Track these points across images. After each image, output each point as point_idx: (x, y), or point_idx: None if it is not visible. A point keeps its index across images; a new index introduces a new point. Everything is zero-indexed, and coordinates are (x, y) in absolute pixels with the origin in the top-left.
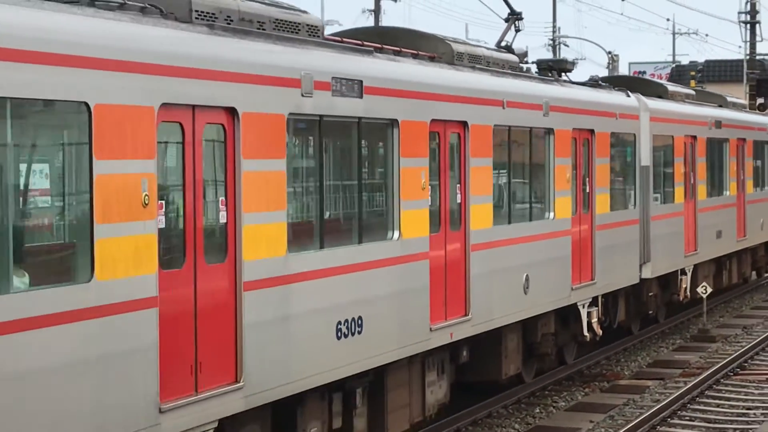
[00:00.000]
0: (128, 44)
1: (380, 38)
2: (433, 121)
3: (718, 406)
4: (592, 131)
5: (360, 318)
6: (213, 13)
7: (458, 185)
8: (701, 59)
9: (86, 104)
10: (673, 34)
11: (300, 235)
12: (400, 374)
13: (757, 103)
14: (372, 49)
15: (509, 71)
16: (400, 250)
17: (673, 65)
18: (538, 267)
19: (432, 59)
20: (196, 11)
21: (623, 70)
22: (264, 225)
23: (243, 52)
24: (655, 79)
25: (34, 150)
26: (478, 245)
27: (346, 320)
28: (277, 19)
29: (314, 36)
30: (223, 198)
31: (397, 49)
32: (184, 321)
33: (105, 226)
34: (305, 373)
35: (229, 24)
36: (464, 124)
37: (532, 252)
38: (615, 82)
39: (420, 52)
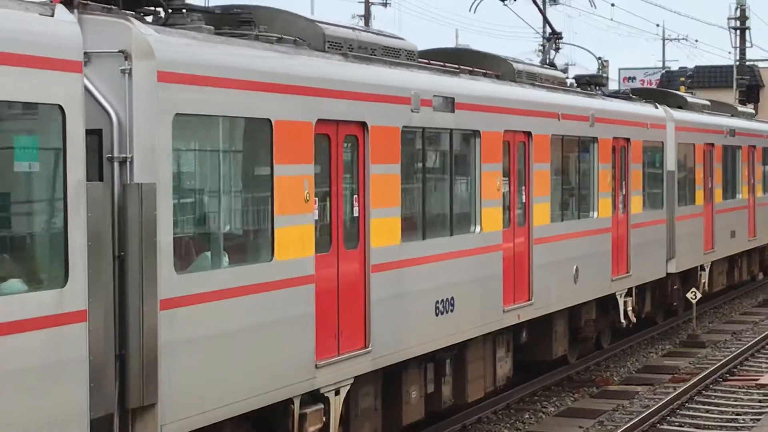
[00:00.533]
0: (295, 71)
1: (449, 58)
2: (505, 131)
3: (707, 411)
4: (628, 140)
5: (452, 298)
6: (340, 43)
7: (524, 187)
8: (691, 65)
9: (269, 120)
10: (663, 39)
11: (408, 228)
12: (478, 349)
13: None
14: (458, 70)
15: (560, 87)
16: (481, 241)
17: (663, 71)
18: (585, 260)
19: (498, 77)
20: (329, 41)
21: (613, 75)
22: (385, 219)
23: (369, 75)
24: (676, 92)
25: (236, 157)
26: (539, 239)
27: (442, 300)
28: (384, 46)
29: (411, 59)
30: (356, 196)
31: (471, 69)
32: (331, 295)
33: (281, 217)
34: (411, 343)
35: (350, 51)
36: (528, 134)
37: (581, 246)
38: (641, 93)
39: (487, 71)
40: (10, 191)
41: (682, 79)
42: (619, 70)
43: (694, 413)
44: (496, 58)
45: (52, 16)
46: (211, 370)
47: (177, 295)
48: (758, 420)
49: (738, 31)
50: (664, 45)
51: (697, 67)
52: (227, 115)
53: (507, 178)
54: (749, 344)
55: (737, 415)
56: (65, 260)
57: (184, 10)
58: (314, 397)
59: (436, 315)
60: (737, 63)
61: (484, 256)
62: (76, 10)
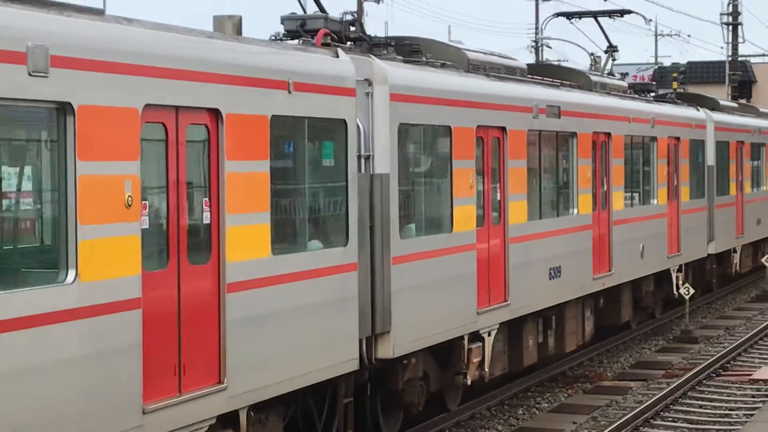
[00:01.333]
0: (465, 89)
1: (537, 71)
2: (594, 132)
3: (700, 407)
4: (678, 138)
5: (560, 267)
6: (478, 65)
7: (605, 178)
8: (683, 61)
9: (449, 127)
10: (656, 35)
11: (533, 209)
12: (572, 310)
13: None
14: (559, 83)
15: (626, 95)
16: (578, 222)
17: (656, 67)
18: (649, 239)
19: (580, 88)
20: (472, 64)
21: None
22: (516, 203)
23: (507, 90)
24: (710, 96)
25: (434, 155)
26: (618, 221)
27: (553, 267)
28: (506, 66)
29: (523, 75)
30: (498, 185)
31: (560, 81)
32: (484, 263)
33: (458, 199)
34: (533, 300)
35: (485, 72)
36: (608, 135)
37: (646, 228)
38: (683, 97)
39: (572, 83)
40: (320, 180)
41: (675, 74)
42: (612, 65)
43: (687, 408)
44: (576, 71)
45: (337, 57)
46: (420, 310)
47: (400, 254)
48: (751, 415)
49: (730, 27)
50: (656, 40)
51: (690, 63)
52: (428, 123)
53: (595, 171)
54: (742, 339)
55: (730, 410)
56: (347, 228)
57: (383, 44)
58: (475, 336)
59: (549, 279)
60: (730, 59)
61: (580, 233)
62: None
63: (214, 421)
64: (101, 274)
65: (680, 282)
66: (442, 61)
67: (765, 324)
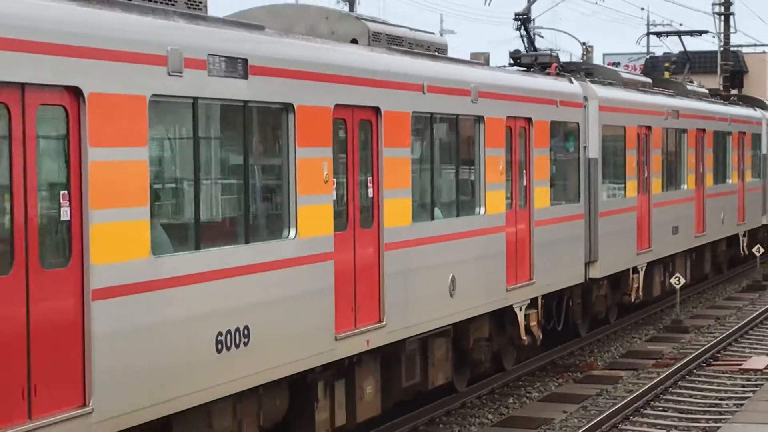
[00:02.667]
0: (638, 100)
1: (657, 84)
2: (697, 129)
3: (690, 396)
4: (744, 133)
5: (677, 225)
6: (628, 82)
7: (701, 163)
8: (675, 50)
9: (623, 127)
10: (648, 25)
11: (667, 184)
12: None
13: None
14: (675, 93)
15: (711, 99)
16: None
17: (648, 56)
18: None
19: (678, 94)
20: (624, 82)
21: (597, 60)
22: (657, 179)
23: (647, 99)
24: (757, 97)
25: (621, 148)
26: (710, 195)
27: (674, 226)
28: (640, 81)
29: (649, 87)
30: (647, 167)
31: (675, 92)
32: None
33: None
34: (665, 248)
35: (636, 88)
36: (703, 131)
37: (726, 201)
38: (743, 99)
39: (675, 91)
40: (567, 161)
41: (667, 64)
42: (604, 55)
43: (677, 398)
44: (675, 83)
45: (571, 83)
46: (611, 249)
47: (602, 210)
48: (741, 405)
49: (722, 17)
50: (648, 30)
51: (681, 53)
52: (616, 124)
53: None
54: (733, 329)
55: (721, 400)
56: (578, 191)
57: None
58: (634, 270)
59: (672, 234)
60: (722, 49)
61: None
62: (573, 78)
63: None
64: (310, 233)
65: (744, 244)
66: (612, 81)
67: (755, 314)
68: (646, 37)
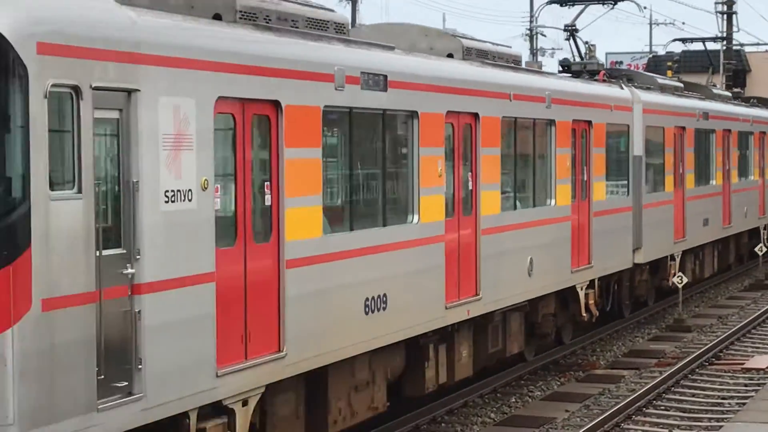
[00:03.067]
0: (668, 103)
1: (689, 88)
2: (723, 129)
3: (693, 395)
4: (764, 133)
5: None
6: (664, 87)
7: (680, 165)
8: (678, 49)
9: (662, 128)
10: (650, 24)
11: (699, 179)
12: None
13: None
14: (705, 96)
15: (735, 102)
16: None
17: (650, 55)
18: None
19: (729, 100)
20: (660, 86)
21: (600, 60)
22: (689, 175)
23: (686, 102)
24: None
25: (660, 146)
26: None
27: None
28: (674, 86)
29: (681, 92)
30: (681, 162)
31: (704, 95)
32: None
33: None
34: (699, 238)
35: (672, 92)
36: (729, 131)
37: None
38: (760, 101)
39: (705, 95)
40: (619, 158)
41: (669, 63)
42: (606, 54)
43: (680, 397)
44: (702, 87)
45: (621, 89)
46: (653, 237)
47: (646, 203)
48: (744, 404)
49: (725, 16)
50: (651, 29)
51: (684, 52)
52: (656, 125)
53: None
54: (735, 328)
55: (723, 399)
56: (628, 185)
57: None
58: (671, 257)
59: (703, 226)
60: (724, 47)
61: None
62: (624, 84)
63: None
64: (428, 218)
65: (765, 237)
66: (651, 85)
67: (758, 313)
68: (649, 36)
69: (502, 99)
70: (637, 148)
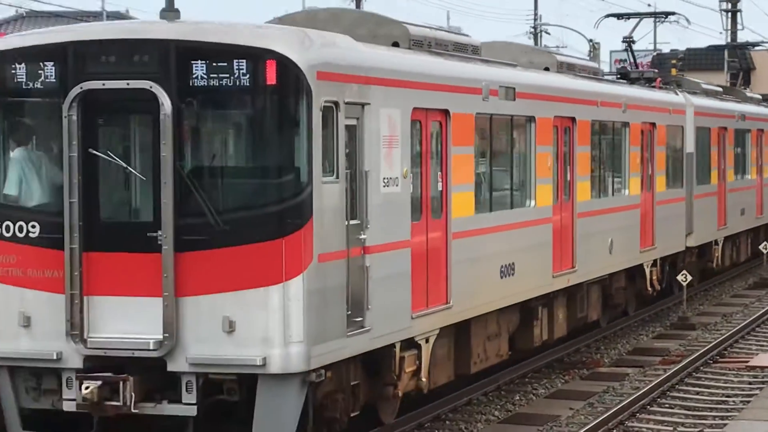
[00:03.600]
0: (711, 106)
1: (727, 92)
2: (757, 129)
3: (697, 393)
4: None
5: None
6: (708, 92)
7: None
8: (682, 47)
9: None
10: (654, 22)
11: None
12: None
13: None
14: (739, 100)
15: (761, 104)
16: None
17: (654, 53)
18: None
19: (740, 100)
20: (704, 90)
21: (604, 58)
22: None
23: (725, 106)
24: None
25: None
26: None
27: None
28: (705, 89)
29: (719, 96)
30: (721, 158)
31: (739, 99)
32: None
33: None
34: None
35: (715, 97)
36: (761, 131)
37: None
38: None
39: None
40: (678, 156)
41: (674, 61)
42: (611, 52)
43: (684, 395)
44: (735, 90)
45: (676, 95)
46: (701, 224)
47: (696, 194)
48: (748, 402)
49: (729, 14)
50: (655, 27)
51: (689, 50)
52: (705, 126)
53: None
54: (739, 326)
55: (727, 397)
56: (683, 178)
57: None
58: (715, 242)
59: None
60: (728, 45)
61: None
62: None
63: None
64: (541, 203)
65: None
66: (697, 90)
67: (762, 311)
68: (653, 34)
69: (592, 105)
70: (689, 146)
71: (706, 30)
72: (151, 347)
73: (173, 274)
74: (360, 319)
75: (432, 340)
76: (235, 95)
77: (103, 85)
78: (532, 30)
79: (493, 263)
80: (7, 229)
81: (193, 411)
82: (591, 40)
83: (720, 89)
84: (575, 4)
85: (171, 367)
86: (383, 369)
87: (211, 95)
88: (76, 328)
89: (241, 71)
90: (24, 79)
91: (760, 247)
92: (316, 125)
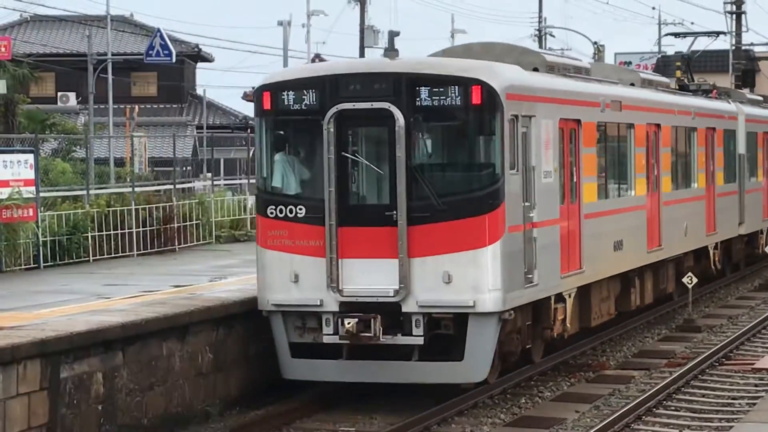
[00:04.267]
0: (757, 114)
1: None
2: None
3: (703, 396)
4: None
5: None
6: (754, 101)
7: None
8: (686, 50)
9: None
10: (659, 24)
11: None
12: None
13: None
14: None
15: None
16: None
17: (659, 56)
18: None
19: None
20: (749, 99)
21: (609, 60)
22: None
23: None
24: None
25: None
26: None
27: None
28: (750, 99)
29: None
30: None
31: None
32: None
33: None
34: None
35: (759, 105)
36: None
37: None
38: None
39: None
40: (732, 156)
41: (678, 63)
42: (615, 54)
43: (690, 397)
44: None
45: (729, 104)
46: (750, 215)
47: (747, 189)
48: (754, 404)
49: (734, 16)
50: (660, 29)
51: (693, 52)
52: (752, 131)
53: None
54: (745, 329)
55: (733, 399)
56: (735, 175)
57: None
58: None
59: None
60: (733, 47)
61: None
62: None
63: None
64: (638, 193)
65: None
66: (743, 100)
67: None
68: (658, 36)
69: (671, 114)
70: (741, 147)
71: (712, 33)
72: (391, 295)
73: (406, 242)
74: (531, 276)
75: (572, 296)
76: (450, 112)
77: (353, 106)
78: (537, 32)
79: (610, 239)
80: (280, 211)
81: (420, 341)
82: (595, 43)
83: (761, 98)
84: (579, 6)
85: (405, 309)
86: (543, 316)
87: (432, 112)
88: (334, 282)
89: (454, 94)
90: (290, 103)
91: (766, 249)
92: (505, 133)
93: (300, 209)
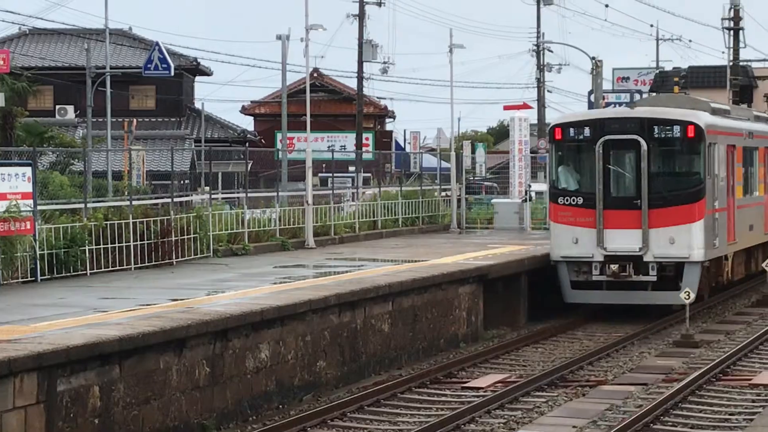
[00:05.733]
0: None
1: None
2: None
3: (700, 411)
4: None
5: None
6: None
7: None
8: (685, 65)
9: None
10: (657, 39)
11: None
12: None
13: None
14: None
15: None
16: None
17: (657, 71)
18: None
19: None
20: None
21: (607, 75)
22: None
23: None
24: None
25: None
26: None
27: None
28: None
29: None
30: None
31: None
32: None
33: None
34: None
35: None
36: None
37: None
38: None
39: None
40: None
41: (676, 79)
42: (613, 70)
43: (687, 413)
44: None
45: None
46: None
47: None
48: (751, 420)
49: (732, 32)
50: (658, 45)
51: (691, 68)
52: None
53: None
54: (742, 344)
55: (730, 415)
56: None
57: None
58: None
59: None
60: (731, 63)
61: None
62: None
63: None
64: (760, 193)
65: None
66: None
67: (765, 329)
68: (656, 52)
69: None
70: None
71: (707, 48)
72: (637, 250)
73: (647, 218)
74: (715, 242)
75: (730, 258)
76: (673, 141)
77: (615, 137)
78: (535, 47)
79: (747, 223)
80: (566, 200)
81: (654, 279)
82: (593, 58)
83: None
84: (577, 22)
85: (645, 259)
86: (719, 268)
87: (662, 141)
88: (600, 243)
89: (676, 130)
90: (573, 135)
91: (764, 265)
92: (707, 154)
93: (579, 199)
